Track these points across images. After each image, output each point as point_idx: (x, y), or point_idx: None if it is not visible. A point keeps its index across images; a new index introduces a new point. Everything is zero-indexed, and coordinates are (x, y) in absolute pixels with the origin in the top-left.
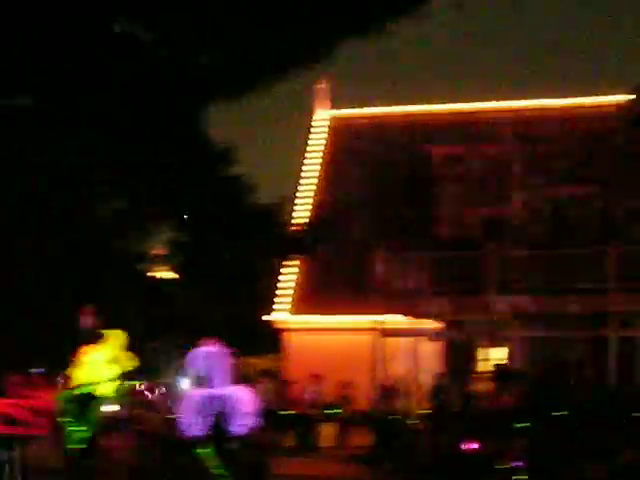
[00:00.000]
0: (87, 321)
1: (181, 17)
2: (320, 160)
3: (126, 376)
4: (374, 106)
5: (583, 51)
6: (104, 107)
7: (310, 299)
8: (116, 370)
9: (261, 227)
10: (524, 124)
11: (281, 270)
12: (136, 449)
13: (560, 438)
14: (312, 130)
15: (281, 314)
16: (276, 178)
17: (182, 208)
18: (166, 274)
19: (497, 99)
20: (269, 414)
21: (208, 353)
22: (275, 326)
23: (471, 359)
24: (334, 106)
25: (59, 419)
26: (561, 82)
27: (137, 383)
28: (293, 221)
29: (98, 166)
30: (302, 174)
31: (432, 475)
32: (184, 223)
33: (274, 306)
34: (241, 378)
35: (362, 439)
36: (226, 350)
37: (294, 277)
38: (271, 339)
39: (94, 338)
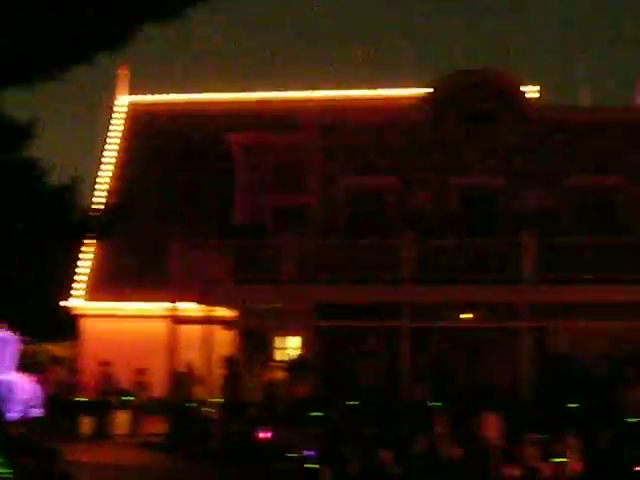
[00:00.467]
0: None
1: None
2: (118, 146)
3: None
4: (176, 93)
5: (387, 43)
6: None
7: (106, 285)
8: None
9: (52, 209)
10: (327, 114)
11: (78, 256)
12: None
13: (353, 427)
14: (113, 116)
15: (77, 300)
16: (82, 163)
17: None
18: None
19: (300, 88)
20: (61, 401)
21: None
22: (72, 312)
23: (266, 348)
24: (137, 92)
25: None
26: (366, 73)
27: None
28: (91, 205)
29: None
30: (102, 159)
31: (225, 463)
32: None
33: (71, 292)
34: (29, 365)
35: (157, 426)
36: (13, 336)
37: (90, 263)
38: (72, 325)
39: None
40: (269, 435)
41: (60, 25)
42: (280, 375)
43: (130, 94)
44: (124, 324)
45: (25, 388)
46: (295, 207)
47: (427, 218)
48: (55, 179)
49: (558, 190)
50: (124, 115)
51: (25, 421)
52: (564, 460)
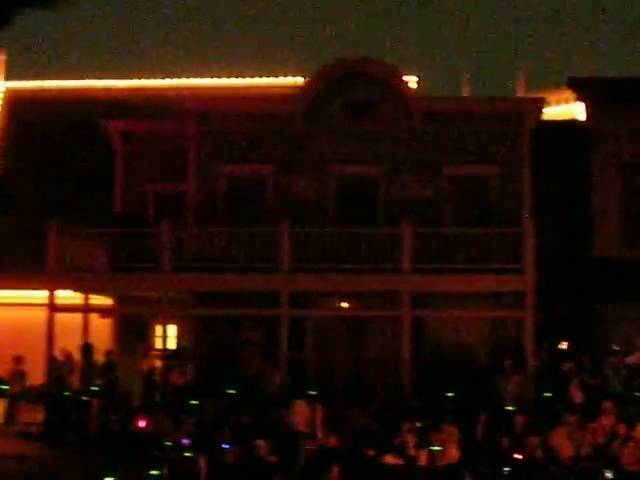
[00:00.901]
0: None
1: None
2: None
3: None
4: (55, 79)
5: (268, 31)
6: None
7: None
8: None
9: None
10: (204, 102)
11: None
12: None
13: (229, 416)
14: None
15: None
16: None
17: None
18: None
19: (178, 76)
20: None
21: None
22: None
23: (145, 336)
24: (15, 77)
25: None
26: (243, 62)
27: None
28: None
29: None
30: None
31: (103, 451)
32: None
33: None
34: None
35: (34, 415)
36: None
37: None
38: None
39: None
40: (147, 424)
41: None
42: (159, 363)
43: (7, 79)
44: (2, 312)
45: None
46: (174, 195)
47: (306, 206)
48: None
49: (436, 179)
50: (1, 101)
51: None
52: (440, 448)
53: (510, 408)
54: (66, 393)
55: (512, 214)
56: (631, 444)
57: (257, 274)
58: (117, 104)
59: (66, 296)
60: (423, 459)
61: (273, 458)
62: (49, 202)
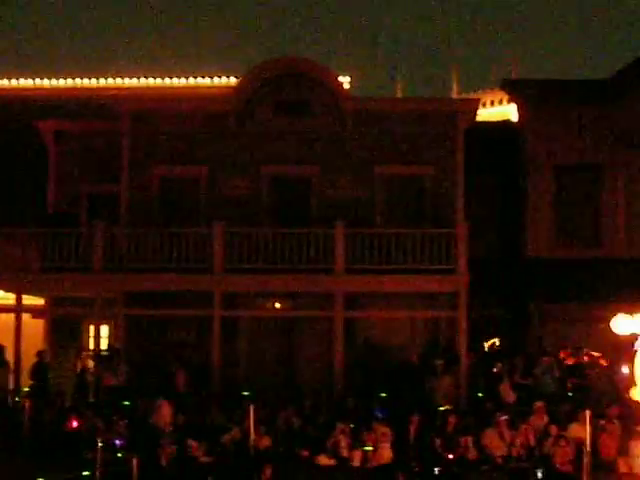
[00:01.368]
0: None
1: None
2: None
3: None
4: None
5: (201, 33)
6: None
7: None
8: None
9: None
10: (139, 102)
11: None
12: None
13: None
14: None
15: None
16: None
17: None
18: None
19: (112, 76)
20: None
21: None
22: None
23: (78, 336)
24: None
25: None
26: (177, 63)
27: None
28: None
29: None
30: None
31: (36, 453)
32: None
33: None
34: None
35: None
36: None
37: None
38: None
39: None
40: (79, 424)
41: None
42: (91, 364)
43: None
44: None
45: None
46: (108, 195)
47: (239, 207)
48: None
49: (370, 179)
50: None
51: None
52: (372, 449)
53: (442, 408)
54: None
55: (446, 215)
56: (563, 443)
57: (190, 274)
58: (50, 104)
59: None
60: (356, 460)
61: (206, 458)
62: None
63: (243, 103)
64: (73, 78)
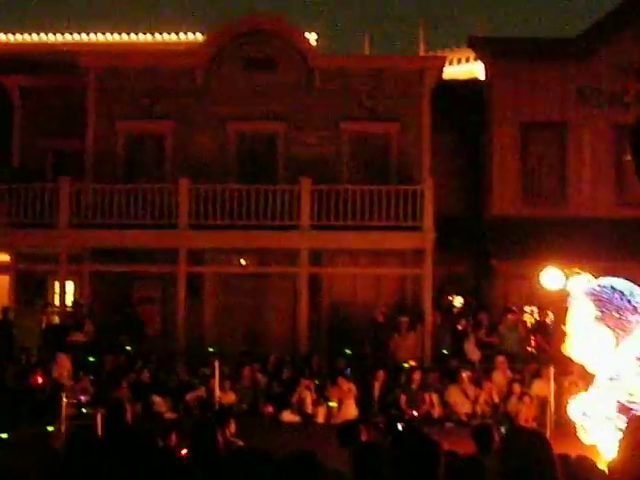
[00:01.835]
0: None
1: None
2: None
3: None
4: None
5: None
6: None
7: None
8: None
9: None
10: (104, 58)
11: None
12: None
13: (127, 372)
14: None
15: None
16: None
17: None
18: None
19: (78, 31)
20: None
21: None
22: None
23: (44, 292)
24: None
25: None
26: (143, 18)
27: None
28: None
29: None
30: None
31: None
32: None
33: None
34: None
35: None
36: None
37: None
38: None
39: None
40: (44, 380)
41: None
42: (57, 320)
43: None
44: None
45: None
46: (74, 151)
47: (206, 163)
48: None
49: (336, 136)
50: None
51: None
52: (336, 405)
53: (407, 365)
54: None
55: (412, 172)
56: (527, 401)
57: (155, 230)
58: (15, 59)
59: None
60: (321, 416)
61: (171, 414)
62: None
63: (210, 59)
64: (37, 33)
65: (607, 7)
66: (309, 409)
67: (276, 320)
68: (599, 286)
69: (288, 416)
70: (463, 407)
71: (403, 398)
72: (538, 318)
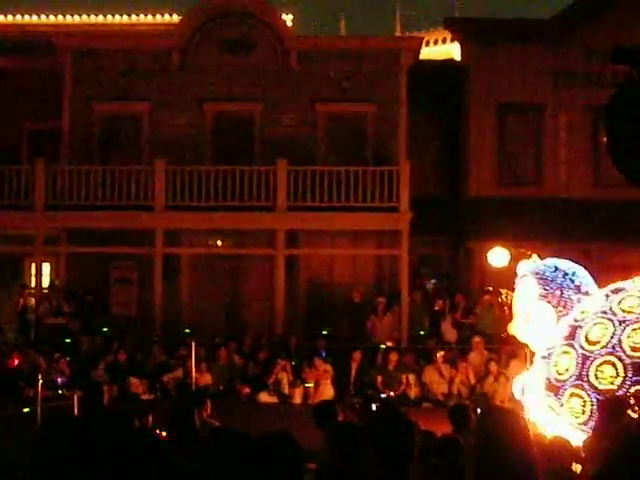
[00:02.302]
0: None
1: None
2: None
3: None
4: None
5: None
6: None
7: None
8: None
9: None
10: (80, 39)
11: None
12: None
13: (104, 354)
14: None
15: None
16: None
17: None
18: None
19: (54, 13)
20: None
21: None
22: None
23: (18, 274)
24: None
25: None
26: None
27: None
28: None
29: None
30: None
31: None
32: None
33: None
34: None
35: None
36: None
37: None
38: None
39: None
40: (21, 362)
41: None
42: (33, 301)
43: None
44: None
45: None
46: (50, 133)
47: (182, 144)
48: None
49: (312, 117)
50: None
51: None
52: (312, 385)
53: (383, 346)
54: None
55: (388, 153)
56: (503, 381)
57: (132, 212)
58: None
59: None
60: (297, 397)
61: (148, 396)
62: None
63: (186, 40)
64: (13, 14)
65: None
66: (286, 390)
67: (253, 301)
68: (544, 265)
69: (265, 397)
70: (439, 387)
71: (379, 379)
72: (508, 300)
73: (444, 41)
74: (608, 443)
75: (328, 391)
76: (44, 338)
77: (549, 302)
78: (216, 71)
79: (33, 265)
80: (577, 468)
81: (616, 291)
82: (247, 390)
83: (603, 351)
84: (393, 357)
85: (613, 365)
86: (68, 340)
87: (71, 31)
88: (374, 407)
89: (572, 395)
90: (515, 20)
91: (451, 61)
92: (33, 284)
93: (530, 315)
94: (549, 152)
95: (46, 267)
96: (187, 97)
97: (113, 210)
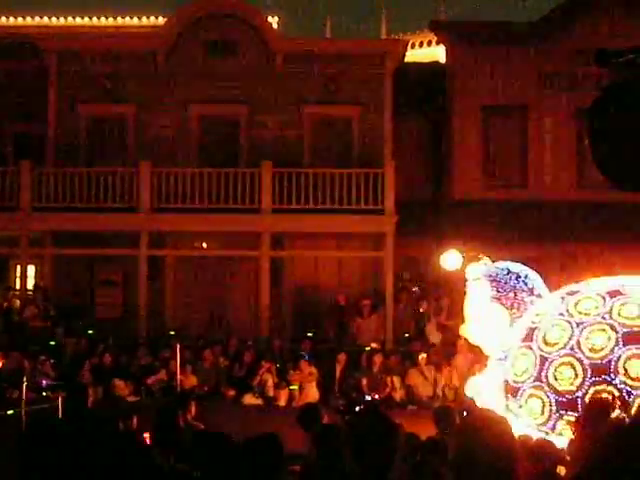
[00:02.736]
0: None
1: None
2: None
3: None
4: None
5: None
6: None
7: None
8: None
9: None
10: (65, 40)
11: None
12: None
13: (88, 356)
14: None
15: None
16: None
17: None
18: None
19: (40, 15)
20: None
21: None
22: None
23: (3, 276)
24: None
25: None
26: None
27: None
28: None
29: None
30: None
31: None
32: None
33: None
34: None
35: None
36: None
37: None
38: None
39: None
40: (4, 364)
41: None
42: (17, 303)
43: None
44: None
45: None
46: (35, 135)
47: (167, 146)
48: None
49: (298, 120)
50: None
51: None
52: (296, 388)
53: (368, 348)
54: None
55: (374, 155)
56: None
57: (117, 214)
58: None
59: None
60: (282, 399)
61: (132, 398)
62: None
63: (171, 42)
64: None
65: None
66: (270, 392)
67: (238, 303)
68: (496, 268)
69: (249, 399)
70: (424, 390)
71: (364, 381)
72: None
73: (429, 44)
74: (591, 445)
75: (313, 393)
76: (29, 340)
77: (502, 304)
78: (201, 73)
79: (18, 267)
80: (561, 470)
81: (571, 293)
82: (232, 392)
83: (562, 352)
84: (378, 359)
85: (572, 366)
86: (53, 342)
87: (56, 33)
88: (357, 409)
89: (531, 396)
90: (500, 23)
91: (436, 63)
92: (18, 286)
93: (483, 318)
94: (534, 154)
95: (31, 269)
96: (172, 99)
97: (98, 212)
